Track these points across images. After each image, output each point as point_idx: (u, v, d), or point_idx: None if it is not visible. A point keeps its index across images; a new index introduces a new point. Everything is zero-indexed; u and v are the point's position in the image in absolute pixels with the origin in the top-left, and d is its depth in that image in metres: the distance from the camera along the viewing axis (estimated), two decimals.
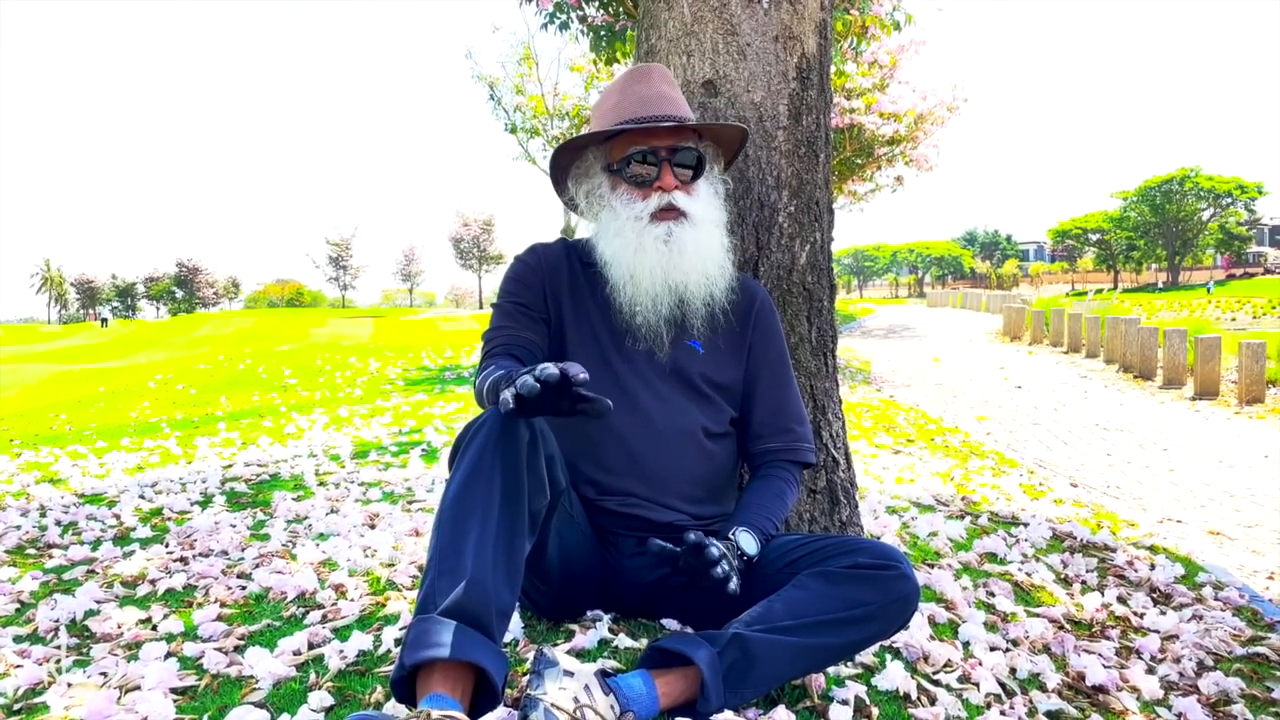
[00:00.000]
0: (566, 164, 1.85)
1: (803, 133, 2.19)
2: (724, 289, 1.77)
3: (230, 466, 3.86)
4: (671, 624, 1.77)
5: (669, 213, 1.71)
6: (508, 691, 1.51)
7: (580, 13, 5.98)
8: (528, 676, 1.38)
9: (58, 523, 2.89)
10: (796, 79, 2.18)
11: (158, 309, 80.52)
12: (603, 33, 5.92)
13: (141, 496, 3.26)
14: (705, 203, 1.76)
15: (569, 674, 1.35)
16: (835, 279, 2.32)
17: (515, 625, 1.75)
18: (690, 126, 1.75)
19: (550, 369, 1.27)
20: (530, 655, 1.61)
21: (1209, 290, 38.60)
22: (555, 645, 1.67)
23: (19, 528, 2.82)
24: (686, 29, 2.16)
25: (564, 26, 6.04)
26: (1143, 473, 6.20)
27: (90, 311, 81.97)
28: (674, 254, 1.70)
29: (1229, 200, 50.88)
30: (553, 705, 1.29)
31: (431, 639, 1.25)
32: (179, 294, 77.33)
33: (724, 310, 1.78)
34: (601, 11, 5.88)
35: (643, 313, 1.73)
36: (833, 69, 2.34)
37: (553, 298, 1.79)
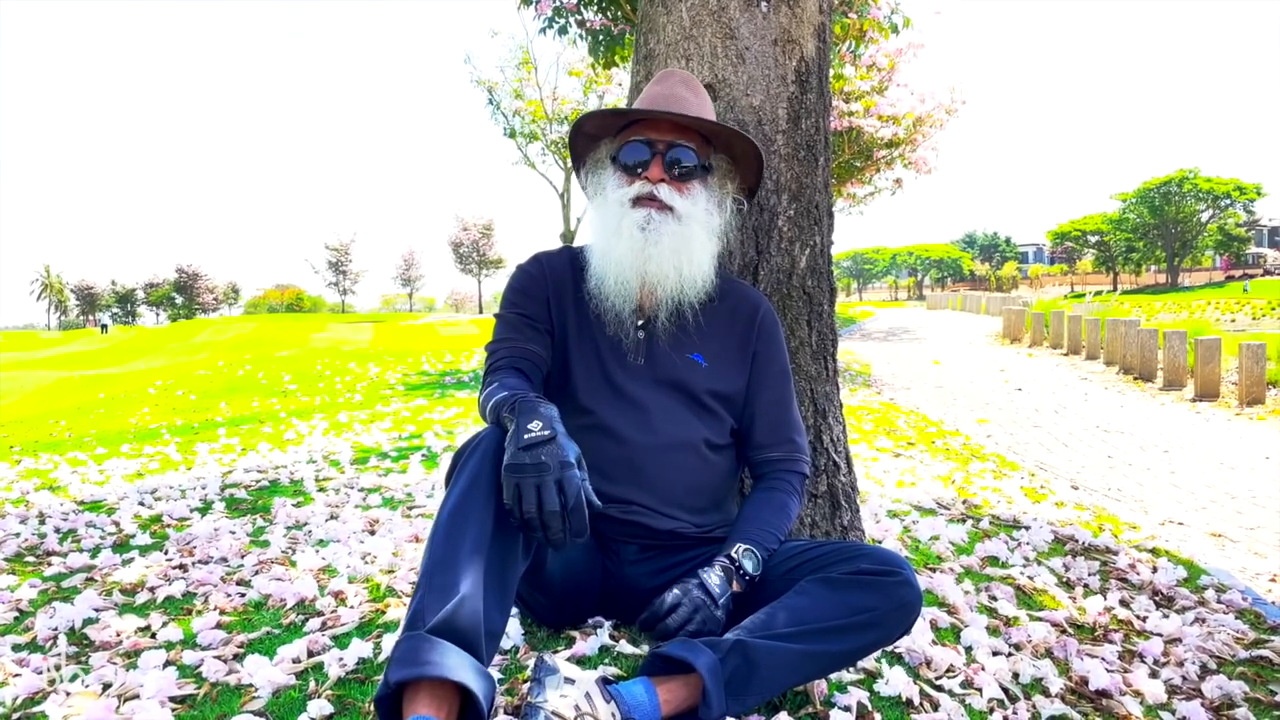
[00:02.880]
0: (582, 153, 1.87)
1: (802, 136, 2.18)
2: (697, 292, 1.74)
3: (230, 473, 3.85)
4: None
5: (651, 201, 1.70)
6: (509, 699, 1.50)
7: (579, 17, 5.98)
8: (528, 684, 1.37)
9: (57, 530, 2.88)
10: (795, 83, 2.17)
11: (157, 315, 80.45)
12: (601, 37, 5.92)
13: (141, 503, 3.25)
14: (699, 206, 1.74)
15: (570, 681, 1.35)
16: (835, 282, 2.31)
17: (515, 632, 1.75)
18: (693, 126, 1.74)
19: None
20: (531, 662, 1.60)
21: (1245, 289, 37.48)
22: (556, 652, 1.66)
23: (18, 535, 2.81)
24: (685, 33, 2.16)
25: (563, 31, 6.04)
26: (1144, 475, 6.20)
27: (90, 318, 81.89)
28: (649, 243, 1.68)
29: (1228, 202, 50.78)
30: (554, 713, 1.28)
31: (419, 657, 1.23)
32: (179, 300, 77.22)
33: (695, 312, 1.75)
34: (600, 16, 5.88)
35: (610, 298, 1.72)
36: (831, 72, 2.32)
37: (556, 308, 1.78)
